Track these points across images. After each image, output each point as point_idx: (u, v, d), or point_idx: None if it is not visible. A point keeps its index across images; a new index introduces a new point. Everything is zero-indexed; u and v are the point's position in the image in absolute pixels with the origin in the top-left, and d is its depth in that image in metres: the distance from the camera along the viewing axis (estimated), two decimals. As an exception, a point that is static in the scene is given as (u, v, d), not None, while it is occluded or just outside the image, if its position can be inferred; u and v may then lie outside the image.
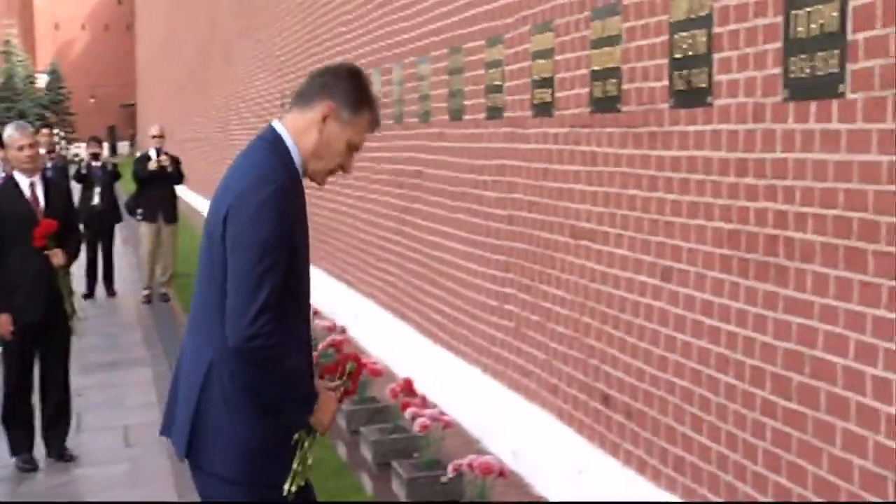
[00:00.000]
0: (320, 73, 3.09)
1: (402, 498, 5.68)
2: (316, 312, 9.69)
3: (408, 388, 6.22)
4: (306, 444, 3.03)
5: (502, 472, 4.98)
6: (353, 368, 3.26)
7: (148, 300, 12.84)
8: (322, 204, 11.44)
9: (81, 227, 7.59)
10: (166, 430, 3.13)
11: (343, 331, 8.55)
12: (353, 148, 3.05)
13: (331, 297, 10.76)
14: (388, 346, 8.83)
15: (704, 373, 4.23)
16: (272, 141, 2.99)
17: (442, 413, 5.86)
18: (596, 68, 5.11)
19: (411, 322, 8.31)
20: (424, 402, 6.16)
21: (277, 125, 3.03)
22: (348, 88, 3.02)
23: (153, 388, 8.56)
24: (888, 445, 3.22)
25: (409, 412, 5.92)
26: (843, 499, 3.41)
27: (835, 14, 3.40)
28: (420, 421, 5.72)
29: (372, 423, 6.84)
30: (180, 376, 3.11)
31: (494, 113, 6.44)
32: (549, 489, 5.73)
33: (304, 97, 3.04)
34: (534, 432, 5.94)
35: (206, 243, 3.00)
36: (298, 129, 3.01)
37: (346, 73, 3.07)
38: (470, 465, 5.02)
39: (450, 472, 5.21)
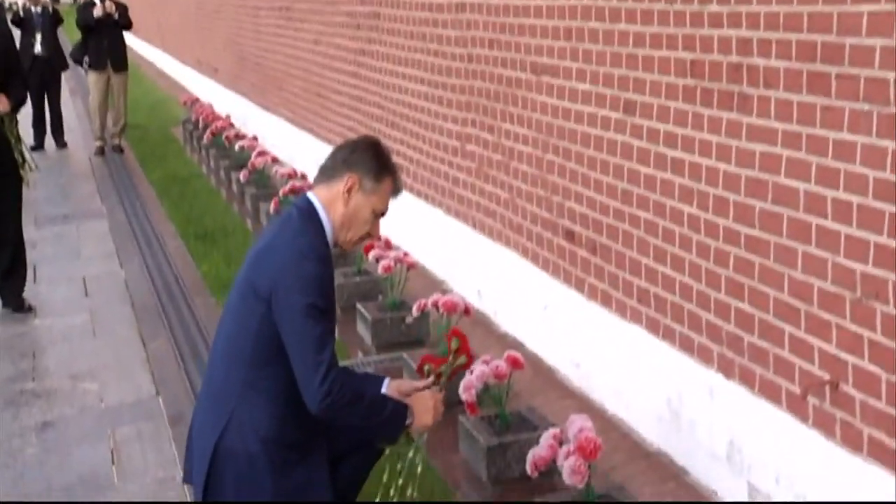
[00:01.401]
0: (341, 149, 3.34)
1: (367, 339, 5.79)
2: (275, 160, 9.68)
3: (371, 231, 6.26)
4: (411, 454, 3.41)
5: (467, 310, 5.08)
6: (458, 345, 3.58)
7: (101, 152, 12.70)
8: (278, 49, 11.27)
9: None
10: (188, 478, 3.28)
11: (303, 177, 8.55)
12: (378, 215, 3.31)
13: (289, 144, 10.71)
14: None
15: (668, 205, 4.30)
16: (308, 213, 3.21)
17: (406, 255, 5.93)
18: None
19: (372, 167, 8.29)
20: (388, 245, 6.23)
21: (312, 197, 3.25)
22: (369, 159, 3.27)
23: (110, 240, 8.58)
24: (846, 265, 3.33)
25: (372, 254, 5.99)
26: (802, 320, 3.54)
27: None
28: (383, 263, 5.80)
29: (336, 267, 6.92)
30: (195, 426, 3.24)
31: (453, -54, 6.33)
32: (514, 326, 5.87)
33: (327, 172, 3.28)
34: (498, 271, 6.04)
35: (236, 301, 3.18)
36: (326, 203, 3.23)
37: (366, 146, 3.32)
38: (434, 304, 5.11)
39: (414, 312, 5.31)
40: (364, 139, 3.38)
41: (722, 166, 3.94)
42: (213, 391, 3.19)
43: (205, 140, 11.57)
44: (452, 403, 4.74)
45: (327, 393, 3.00)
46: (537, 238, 5.55)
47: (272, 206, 8.04)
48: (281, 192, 8.03)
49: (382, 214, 3.33)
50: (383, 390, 3.33)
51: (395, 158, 7.79)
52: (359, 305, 6.06)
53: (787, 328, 3.63)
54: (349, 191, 3.21)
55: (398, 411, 3.24)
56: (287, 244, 3.10)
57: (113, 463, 4.62)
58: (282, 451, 3.09)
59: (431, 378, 3.56)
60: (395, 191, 3.32)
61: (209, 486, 3.11)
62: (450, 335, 3.68)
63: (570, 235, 5.19)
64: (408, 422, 3.26)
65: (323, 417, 3.08)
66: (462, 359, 3.61)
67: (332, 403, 3.02)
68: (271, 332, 3.07)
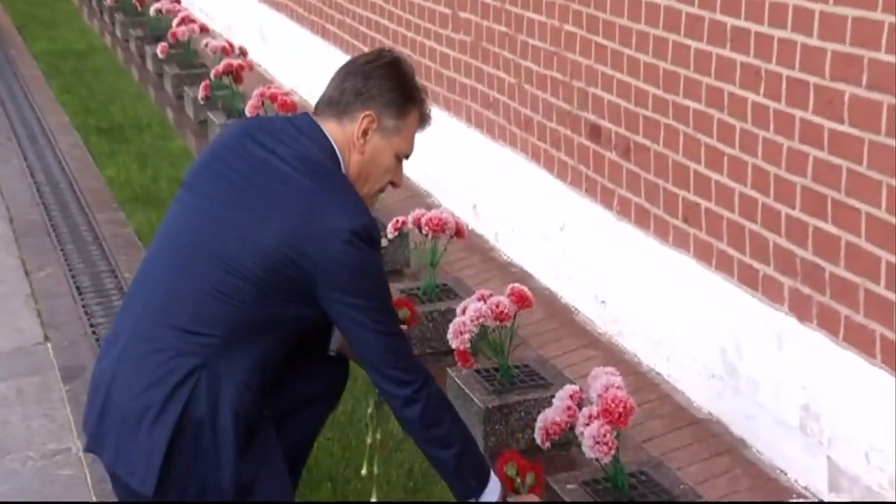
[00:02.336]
0: (350, 74, 3.27)
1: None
2: (203, 29, 9.60)
3: (331, 124, 6.23)
4: None
5: (459, 231, 5.07)
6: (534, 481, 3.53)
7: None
8: None
9: None
10: (95, 447, 3.19)
11: (242, 53, 8.48)
12: (402, 158, 3.32)
13: (223, 9, 10.60)
14: (305, 72, 8.78)
15: (726, 91, 4.28)
16: (335, 160, 3.19)
17: (378, 157, 5.89)
18: None
19: (336, 40, 8.26)
20: (354, 144, 6.19)
21: (329, 136, 3.20)
22: (388, 89, 3.23)
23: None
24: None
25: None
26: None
27: None
28: (349, 168, 5.76)
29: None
30: (116, 385, 3.14)
31: None
32: (520, 252, 5.88)
33: (336, 106, 3.25)
34: (500, 180, 6.03)
35: (217, 245, 3.10)
36: (341, 146, 3.22)
37: (382, 70, 3.26)
38: (416, 223, 5.10)
39: (390, 233, 5.30)
40: (379, 59, 3.31)
41: (800, 39, 3.90)
42: (150, 345, 3.12)
43: (108, 1, 11.43)
44: (440, 353, 4.78)
45: (413, 398, 3.17)
46: (552, 136, 5.52)
47: (201, 92, 7.99)
48: (213, 73, 7.97)
49: (407, 157, 3.36)
50: None
51: (368, 30, 7.77)
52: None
53: (884, 255, 3.61)
54: (365, 133, 3.23)
55: (484, 462, 3.35)
56: (338, 220, 3.04)
57: (-13, 430, 4.64)
58: (244, 431, 3.12)
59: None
60: (423, 123, 3.35)
61: (181, 426, 3.07)
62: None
63: (595, 133, 5.16)
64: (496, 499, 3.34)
65: (420, 430, 3.23)
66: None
67: (427, 405, 3.18)
68: (283, 304, 3.11)
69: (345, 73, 3.29)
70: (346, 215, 3.06)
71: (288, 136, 3.21)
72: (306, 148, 3.17)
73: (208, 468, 3.08)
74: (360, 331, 3.13)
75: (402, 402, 3.16)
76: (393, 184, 3.37)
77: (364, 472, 3.86)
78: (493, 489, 3.32)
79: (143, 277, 3.28)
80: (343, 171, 3.21)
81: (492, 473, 3.33)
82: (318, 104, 3.30)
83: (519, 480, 3.48)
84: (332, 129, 3.22)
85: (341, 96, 3.25)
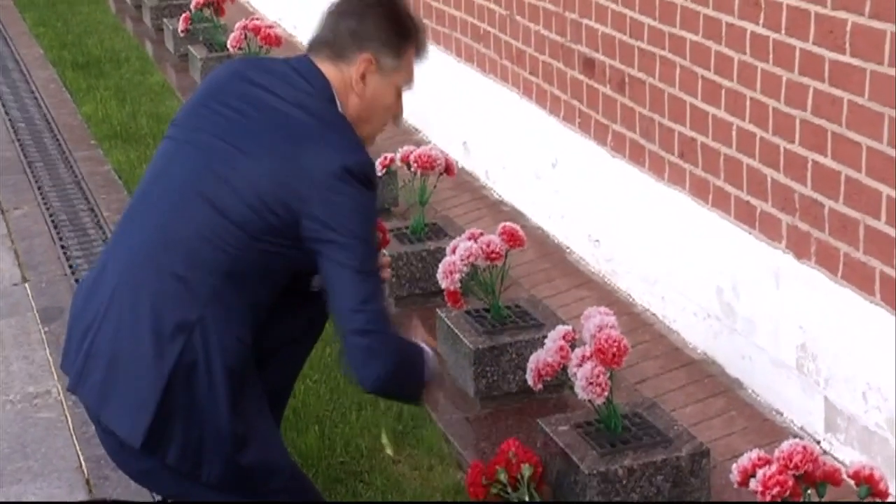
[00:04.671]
0: (345, 14, 3.26)
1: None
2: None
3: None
4: None
5: (449, 168, 5.07)
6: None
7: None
8: None
9: None
10: (77, 386, 3.18)
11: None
12: (402, 90, 3.35)
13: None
14: (289, 3, 8.73)
15: (724, 21, 4.26)
16: (334, 103, 3.19)
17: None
18: None
19: (317, -29, 8.21)
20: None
21: (329, 80, 3.19)
22: (384, 27, 3.25)
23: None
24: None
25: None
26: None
27: None
28: (335, 103, 5.76)
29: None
30: (104, 327, 3.13)
31: None
32: (511, 190, 5.88)
33: (332, 47, 3.24)
34: (491, 116, 6.02)
35: (209, 188, 3.10)
36: (339, 88, 3.22)
37: (377, 8, 3.26)
38: (405, 160, 5.09)
39: (378, 170, 5.29)
40: None
41: (801, -32, 3.89)
42: (139, 290, 3.12)
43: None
44: (429, 293, 4.78)
45: (365, 331, 3.09)
46: (544, 70, 5.51)
47: (181, 25, 7.94)
48: (193, 5, 7.92)
49: (409, 88, 3.38)
50: None
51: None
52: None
53: (885, 190, 3.62)
54: (363, 77, 3.24)
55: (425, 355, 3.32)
56: (332, 155, 3.06)
57: (-37, 374, 4.65)
58: (237, 383, 3.13)
59: None
60: (420, 54, 3.35)
61: (176, 376, 3.07)
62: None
63: (589, 66, 5.15)
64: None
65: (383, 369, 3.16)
66: None
67: (374, 341, 3.11)
68: (274, 251, 3.12)
69: (339, 12, 3.28)
70: (341, 151, 3.07)
71: (285, 76, 3.21)
72: (304, 89, 3.17)
73: (206, 421, 3.08)
74: (333, 267, 3.08)
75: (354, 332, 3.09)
76: (395, 117, 3.39)
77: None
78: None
79: (133, 216, 3.27)
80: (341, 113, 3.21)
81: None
82: (312, 43, 3.29)
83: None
84: (329, 72, 3.22)
85: (335, 36, 3.24)
